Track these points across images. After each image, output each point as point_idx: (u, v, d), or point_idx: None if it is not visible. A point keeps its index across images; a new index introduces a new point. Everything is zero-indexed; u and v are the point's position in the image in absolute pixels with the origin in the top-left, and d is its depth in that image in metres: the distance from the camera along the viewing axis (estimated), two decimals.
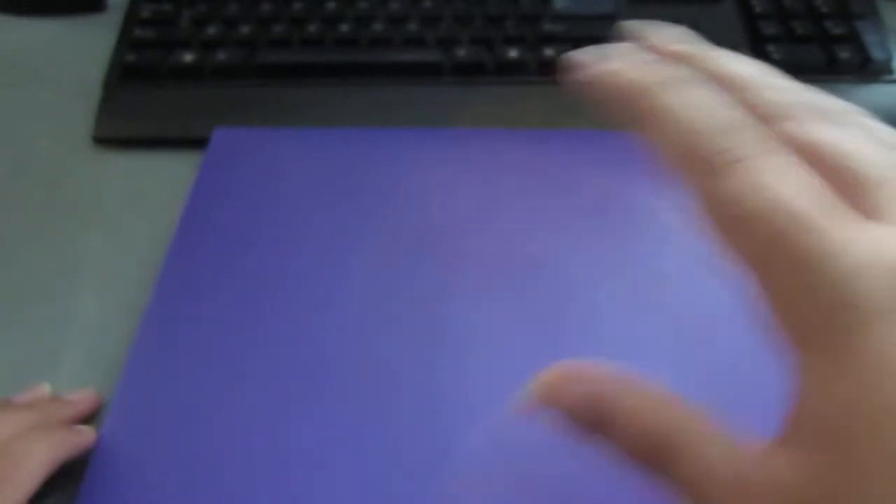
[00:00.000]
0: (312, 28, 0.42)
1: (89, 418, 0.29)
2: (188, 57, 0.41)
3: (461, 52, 0.41)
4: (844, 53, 0.40)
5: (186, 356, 0.30)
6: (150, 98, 0.41)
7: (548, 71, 0.41)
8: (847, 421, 0.11)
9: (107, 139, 0.40)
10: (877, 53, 0.40)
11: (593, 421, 0.14)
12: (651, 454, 0.14)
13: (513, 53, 0.41)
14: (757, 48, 0.42)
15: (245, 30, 0.42)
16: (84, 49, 0.45)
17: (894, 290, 0.12)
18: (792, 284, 0.12)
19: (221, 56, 0.41)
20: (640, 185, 0.36)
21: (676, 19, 0.46)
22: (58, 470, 0.26)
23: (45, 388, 0.30)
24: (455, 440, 0.27)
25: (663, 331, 0.30)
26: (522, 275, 0.32)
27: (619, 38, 0.18)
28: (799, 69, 0.40)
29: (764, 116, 0.14)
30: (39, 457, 0.25)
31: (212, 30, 0.43)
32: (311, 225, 0.34)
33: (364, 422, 0.28)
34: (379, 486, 0.26)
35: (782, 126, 0.14)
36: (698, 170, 0.14)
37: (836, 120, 0.15)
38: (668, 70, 0.16)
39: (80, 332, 0.32)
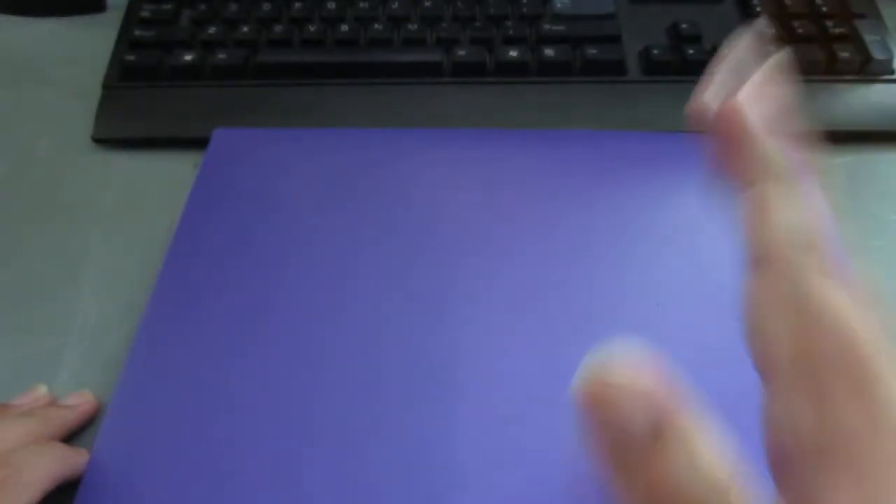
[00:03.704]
0: (312, 28, 0.42)
1: (88, 422, 0.29)
2: (188, 57, 0.41)
3: (461, 52, 0.41)
4: (844, 53, 0.40)
5: (186, 356, 0.30)
6: (150, 98, 0.41)
7: (548, 71, 0.41)
8: None
9: (107, 139, 0.40)
10: (877, 53, 0.40)
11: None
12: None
13: (513, 53, 0.41)
14: None
15: (245, 30, 0.42)
16: (84, 49, 0.45)
17: None
18: None
19: (221, 56, 0.41)
20: (640, 185, 0.36)
21: (676, 19, 0.46)
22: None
23: (42, 391, 0.30)
24: (457, 440, 0.27)
25: (666, 327, 0.30)
26: (524, 274, 0.32)
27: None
28: (799, 69, 0.40)
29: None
30: (42, 470, 0.25)
31: (212, 30, 0.43)
32: (310, 225, 0.34)
33: (366, 423, 0.28)
34: (383, 487, 0.26)
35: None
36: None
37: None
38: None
39: (80, 332, 0.32)
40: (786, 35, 0.42)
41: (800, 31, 0.41)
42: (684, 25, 0.42)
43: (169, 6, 0.44)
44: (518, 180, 0.36)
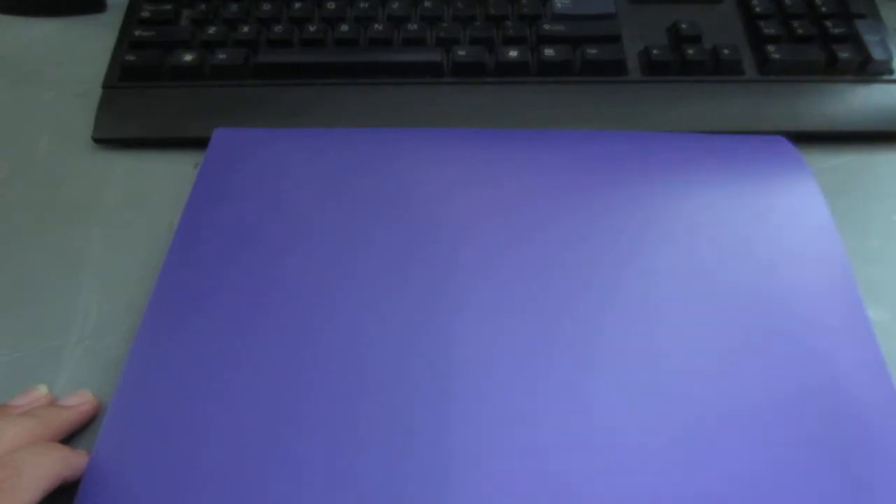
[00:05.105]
0: (312, 28, 0.42)
1: (88, 422, 0.29)
2: (188, 57, 0.41)
3: (461, 52, 0.41)
4: (844, 53, 0.40)
5: (186, 356, 0.30)
6: (150, 98, 0.41)
7: (548, 71, 0.41)
8: None
9: (107, 139, 0.40)
10: (877, 53, 0.40)
11: None
12: None
13: (513, 53, 0.41)
14: (757, 48, 0.42)
15: (245, 30, 0.43)
16: (84, 49, 0.45)
17: None
18: None
19: (221, 56, 0.41)
20: (640, 184, 0.36)
21: (676, 19, 0.46)
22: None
23: (42, 391, 0.30)
24: (456, 440, 0.27)
25: (664, 327, 0.30)
26: (524, 274, 0.32)
27: None
28: (799, 69, 0.40)
29: None
30: (42, 470, 0.25)
31: (212, 30, 0.43)
32: (311, 225, 0.34)
33: (367, 423, 0.28)
34: (383, 489, 0.26)
35: None
36: None
37: None
38: None
39: (80, 332, 0.32)
40: (786, 35, 0.42)
41: (800, 31, 0.41)
42: (684, 25, 0.42)
43: (169, 6, 0.44)
44: (518, 180, 0.36)
